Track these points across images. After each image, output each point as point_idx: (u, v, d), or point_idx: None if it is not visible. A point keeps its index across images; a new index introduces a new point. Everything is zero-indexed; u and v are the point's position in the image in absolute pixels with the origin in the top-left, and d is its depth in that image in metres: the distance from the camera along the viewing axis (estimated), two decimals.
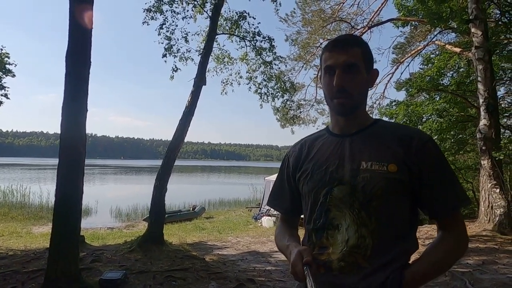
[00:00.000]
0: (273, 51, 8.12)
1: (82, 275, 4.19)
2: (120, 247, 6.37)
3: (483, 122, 7.61)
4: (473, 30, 7.74)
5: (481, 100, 7.68)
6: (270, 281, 5.22)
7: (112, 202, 17.33)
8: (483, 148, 7.62)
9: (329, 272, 1.04)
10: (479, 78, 7.75)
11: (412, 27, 13.00)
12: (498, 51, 9.86)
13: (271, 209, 12.65)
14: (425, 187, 1.04)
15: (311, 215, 1.12)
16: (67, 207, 3.98)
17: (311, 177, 1.13)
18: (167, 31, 7.40)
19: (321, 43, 13.60)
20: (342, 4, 13.43)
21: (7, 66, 9.09)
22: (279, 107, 9.40)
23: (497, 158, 8.10)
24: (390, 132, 1.11)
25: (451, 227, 1.06)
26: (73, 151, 4.00)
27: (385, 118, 11.33)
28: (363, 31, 12.99)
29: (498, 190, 7.51)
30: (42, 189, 17.93)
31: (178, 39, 7.70)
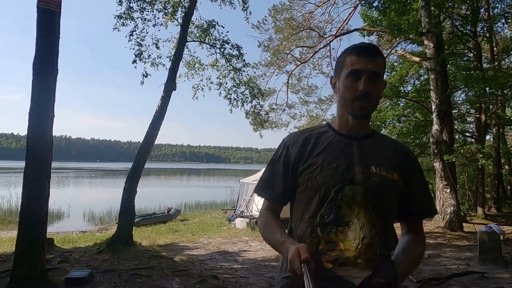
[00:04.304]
0: (242, 58, 8.51)
1: (49, 275, 4.35)
2: (89, 249, 6.49)
3: (435, 127, 8.23)
4: (425, 42, 8.38)
5: (433, 107, 8.30)
6: (234, 278, 5.51)
7: (86, 206, 17.06)
8: (435, 151, 8.24)
9: (342, 266, 1.07)
10: (431, 87, 8.38)
11: (378, 36, 13.71)
12: (453, 61, 10.61)
13: (245, 210, 12.83)
14: (413, 195, 1.20)
15: (318, 210, 1.13)
16: (33, 209, 4.14)
17: (320, 172, 1.14)
18: (138, 38, 7.61)
19: (291, 50, 14.10)
20: (312, 12, 13.98)
21: None
22: (249, 112, 9.76)
23: (450, 161, 8.77)
24: (390, 144, 1.24)
25: (420, 230, 1.25)
26: (39, 155, 4.17)
27: None
28: (332, 40, 13.60)
29: (448, 190, 8.15)
30: (12, 193, 17.43)
31: (149, 46, 7.91)
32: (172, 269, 5.26)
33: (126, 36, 7.48)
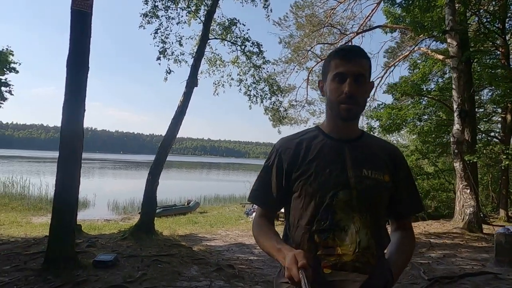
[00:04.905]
0: (262, 56, 8.67)
1: (78, 257, 4.71)
2: (114, 236, 6.88)
3: (456, 127, 8.12)
4: (449, 40, 8.24)
5: (455, 106, 8.18)
6: (249, 268, 5.73)
7: (110, 195, 17.74)
8: (456, 151, 8.13)
9: (341, 271, 1.09)
10: (453, 86, 8.25)
11: (401, 33, 13.49)
12: (478, 59, 10.33)
13: None
14: (401, 193, 1.23)
15: (314, 216, 1.13)
16: (66, 196, 4.49)
17: (314, 179, 1.15)
18: (162, 35, 7.90)
19: (312, 46, 14.12)
20: (334, 9, 13.92)
21: (12, 64, 9.63)
22: (268, 108, 9.94)
23: (471, 161, 8.62)
24: (379, 145, 1.25)
25: (409, 227, 1.30)
26: (71, 146, 4.51)
27: (371, 120, 11.90)
28: (353, 37, 13.49)
29: (468, 191, 8.04)
30: (42, 181, 18.40)
31: (172, 43, 8.20)
32: (191, 257, 5.54)
33: (151, 34, 7.80)
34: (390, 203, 1.21)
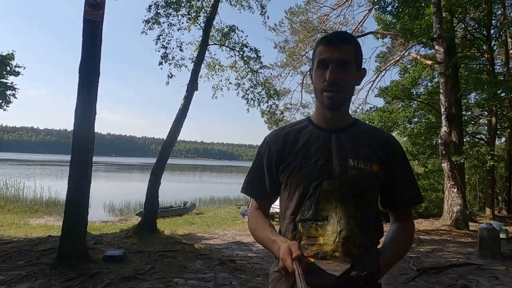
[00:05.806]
0: (259, 61, 9.02)
1: (89, 253, 4.95)
2: (118, 234, 7.13)
3: (443, 129, 8.56)
4: (436, 47, 8.69)
5: (442, 109, 8.63)
6: (249, 264, 6.04)
7: (106, 197, 17.79)
8: (443, 152, 8.57)
9: (322, 260, 1.08)
10: (440, 90, 8.70)
11: (392, 39, 13.99)
12: (464, 64, 10.82)
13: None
14: (395, 183, 1.18)
15: (299, 206, 1.13)
16: (78, 195, 4.74)
17: (299, 169, 1.15)
18: (163, 41, 8.19)
19: (306, 51, 14.54)
20: (328, 15, 14.39)
21: (17, 68, 9.82)
22: (265, 111, 10.27)
23: (458, 162, 9.07)
24: (370, 134, 1.19)
25: (408, 218, 1.24)
26: (83, 148, 4.76)
27: None
28: None
29: (455, 190, 8.48)
30: (36, 184, 18.43)
31: (173, 48, 8.51)
32: (194, 253, 5.83)
33: (153, 40, 8.10)
34: (384, 192, 1.19)
